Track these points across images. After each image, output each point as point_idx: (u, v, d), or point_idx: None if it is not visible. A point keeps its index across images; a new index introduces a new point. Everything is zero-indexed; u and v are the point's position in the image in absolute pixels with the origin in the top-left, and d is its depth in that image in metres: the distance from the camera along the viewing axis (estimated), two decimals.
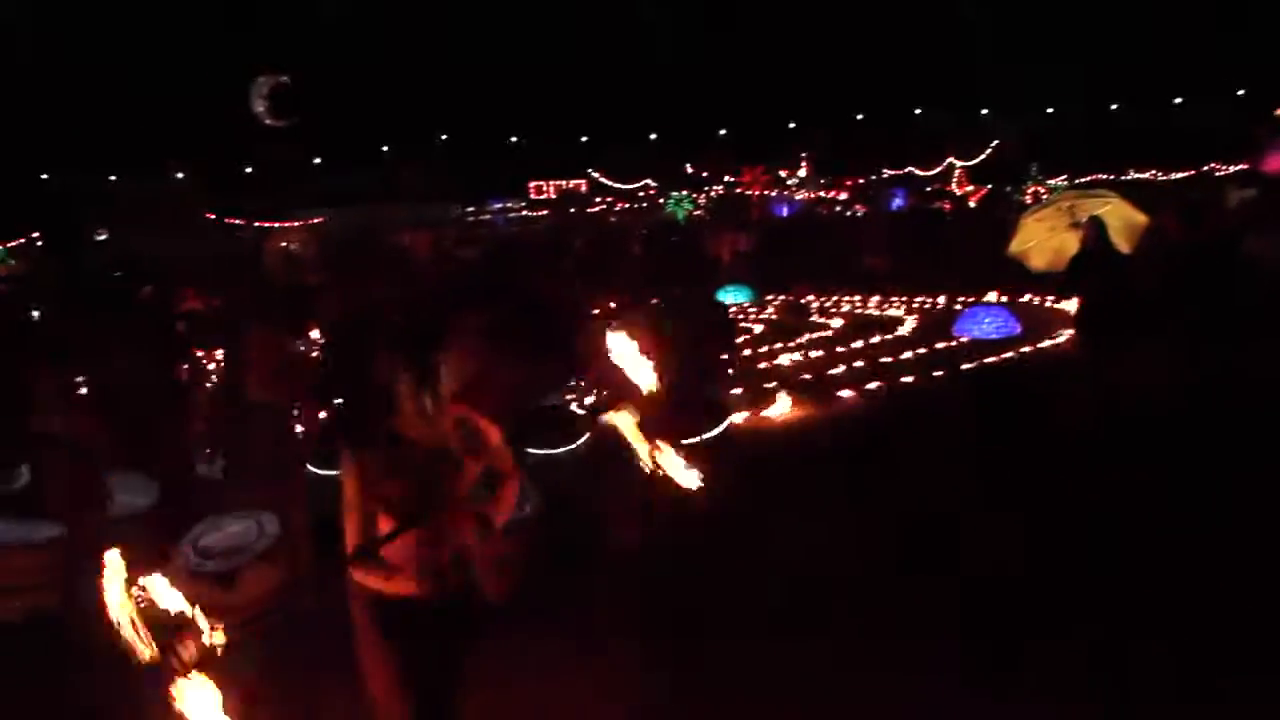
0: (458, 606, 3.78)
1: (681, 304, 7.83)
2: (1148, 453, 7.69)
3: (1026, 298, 17.62)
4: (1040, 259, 12.24)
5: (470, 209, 46.43)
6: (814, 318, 19.50)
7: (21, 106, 37.80)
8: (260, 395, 6.80)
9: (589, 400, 9.83)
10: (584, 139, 46.81)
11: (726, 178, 47.95)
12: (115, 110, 38.93)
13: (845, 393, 12.09)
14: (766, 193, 47.38)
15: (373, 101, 43.49)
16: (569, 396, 10.03)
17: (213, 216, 36.34)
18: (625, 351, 3.62)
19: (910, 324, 17.55)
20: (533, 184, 48.06)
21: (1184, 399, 8.27)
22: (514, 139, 46.26)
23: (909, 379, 12.55)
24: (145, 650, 2.65)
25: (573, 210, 44.92)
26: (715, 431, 8.66)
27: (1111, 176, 38.74)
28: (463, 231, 37.65)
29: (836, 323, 18.49)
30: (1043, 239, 11.98)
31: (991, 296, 17.19)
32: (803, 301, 20.87)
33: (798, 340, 16.27)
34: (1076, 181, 38.27)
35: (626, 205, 46.82)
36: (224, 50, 37.38)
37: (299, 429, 7.38)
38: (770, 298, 22.38)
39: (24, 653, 5.65)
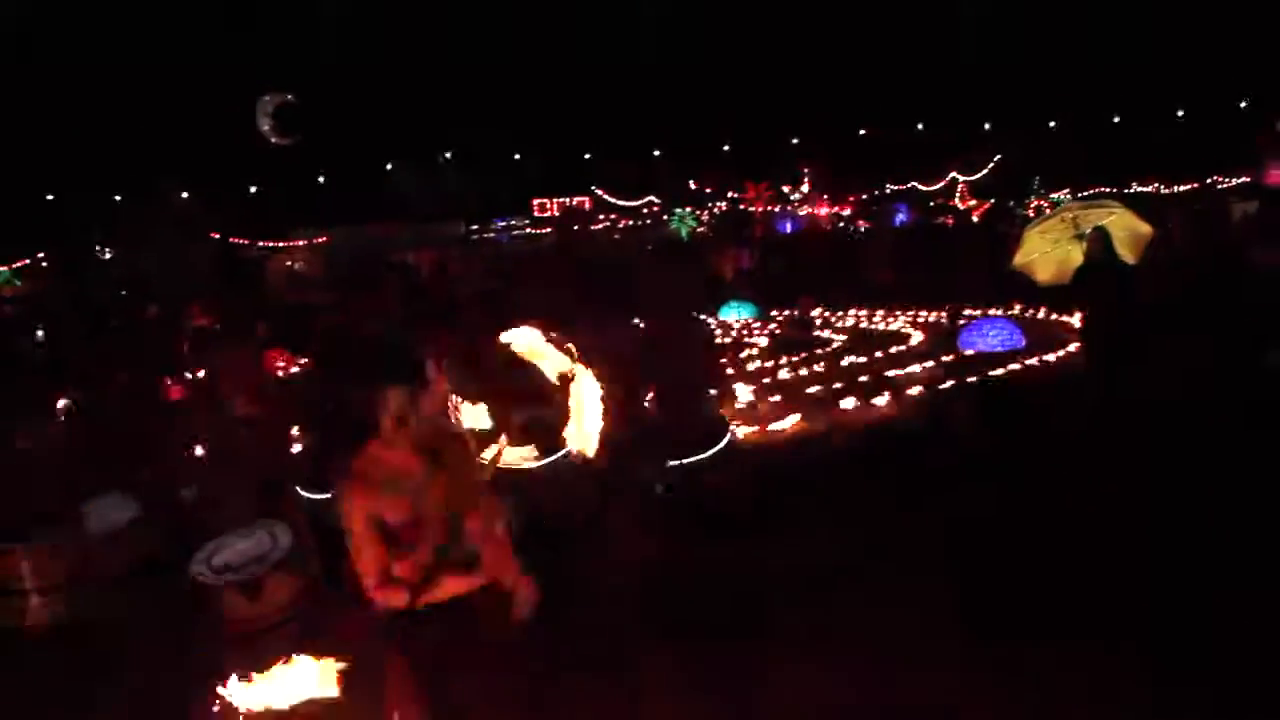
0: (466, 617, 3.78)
1: (665, 324, 7.85)
2: (1157, 462, 7.68)
3: (1016, 308, 17.63)
4: (1045, 271, 12.17)
5: (474, 227, 46.50)
6: (819, 332, 19.49)
7: (26, 127, 37.96)
8: (245, 410, 6.82)
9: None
10: (587, 156, 46.87)
11: (730, 194, 48.00)
12: (119, 130, 39.05)
13: (849, 404, 12.08)
14: (770, 208, 47.45)
15: (376, 120, 43.62)
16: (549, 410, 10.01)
17: (217, 236, 36.40)
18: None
19: (915, 337, 17.54)
20: (536, 201, 48.13)
21: (1194, 408, 8.27)
22: (517, 156, 46.30)
23: (914, 391, 12.54)
24: None
25: (576, 227, 44.99)
26: (718, 448, 8.64)
27: (1114, 189, 38.78)
28: (467, 250, 37.73)
29: (841, 337, 18.49)
30: (1047, 251, 11.94)
31: (996, 310, 17.22)
32: (808, 316, 20.85)
33: (802, 354, 16.26)
34: (1079, 195, 38.26)
35: (630, 222, 46.87)
36: (229, 70, 37.54)
37: (293, 448, 7.40)
38: (775, 313, 22.38)
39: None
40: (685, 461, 7.29)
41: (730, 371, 14.88)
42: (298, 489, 7.40)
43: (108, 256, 32.31)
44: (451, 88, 46.70)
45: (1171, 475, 7.41)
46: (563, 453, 7.84)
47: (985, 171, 49.21)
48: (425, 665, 3.71)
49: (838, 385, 13.31)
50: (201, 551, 6.15)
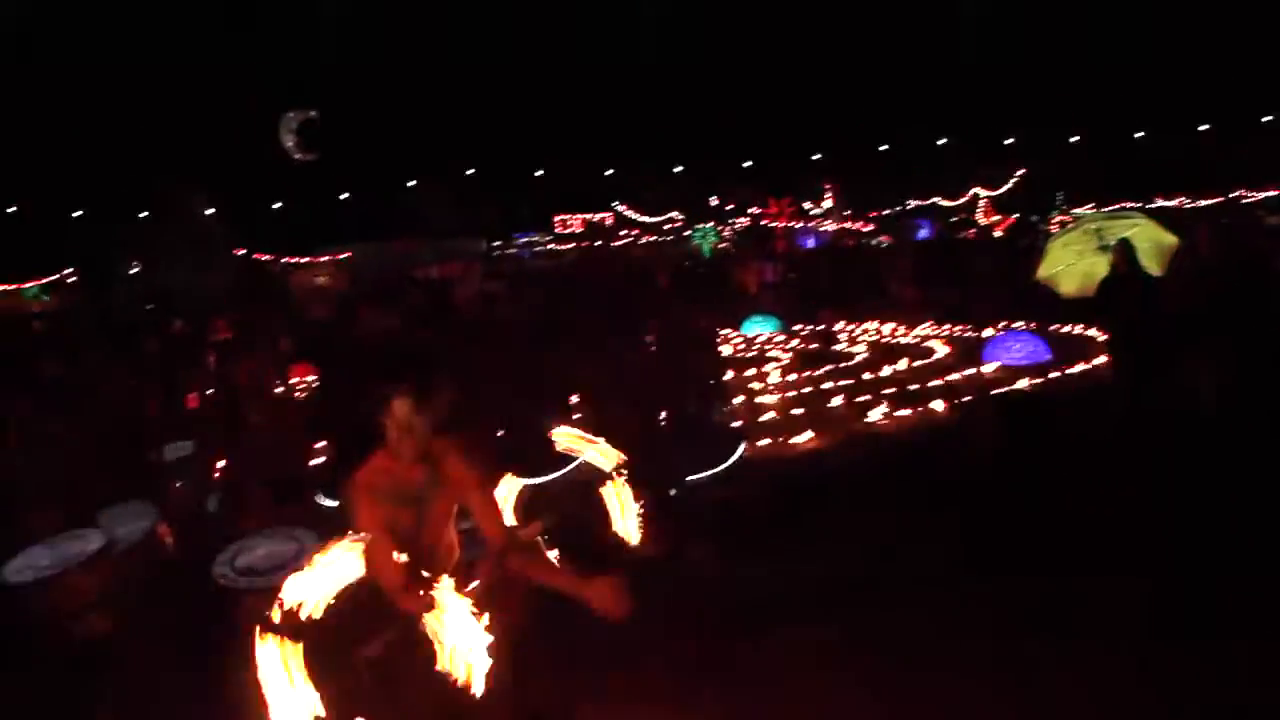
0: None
1: (671, 338, 7.88)
2: (1183, 474, 7.62)
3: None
4: (1070, 284, 12.16)
5: (496, 243, 46.63)
6: (842, 346, 19.45)
7: (53, 143, 38.34)
8: (260, 418, 6.87)
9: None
10: (609, 172, 46.97)
11: (752, 210, 48.01)
12: (145, 147, 39.38)
13: (874, 417, 12.05)
14: (792, 224, 47.44)
15: (397, 136, 43.84)
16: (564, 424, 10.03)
17: (241, 252, 36.64)
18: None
19: (939, 352, 17.47)
20: (558, 218, 48.24)
21: (1220, 420, 8.20)
22: (539, 173, 46.44)
23: (937, 405, 12.49)
24: None
25: (598, 243, 45.07)
26: (732, 460, 8.64)
27: (1138, 205, 38.60)
28: (489, 266, 37.82)
29: (864, 351, 18.44)
30: (1072, 263, 11.91)
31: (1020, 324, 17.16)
32: (830, 330, 20.83)
33: (825, 368, 16.23)
34: (1103, 210, 38.08)
35: (652, 238, 46.94)
36: (254, 87, 37.82)
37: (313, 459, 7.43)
38: (798, 328, 22.35)
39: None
40: (699, 477, 7.28)
41: (756, 386, 14.91)
42: (319, 497, 7.44)
43: (134, 272, 32.54)
44: (473, 103, 46.90)
45: (1196, 487, 7.35)
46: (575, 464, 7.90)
47: (1007, 187, 49.06)
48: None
49: (860, 399, 13.27)
50: (224, 553, 6.17)
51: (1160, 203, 41.07)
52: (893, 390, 13.62)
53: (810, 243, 45.46)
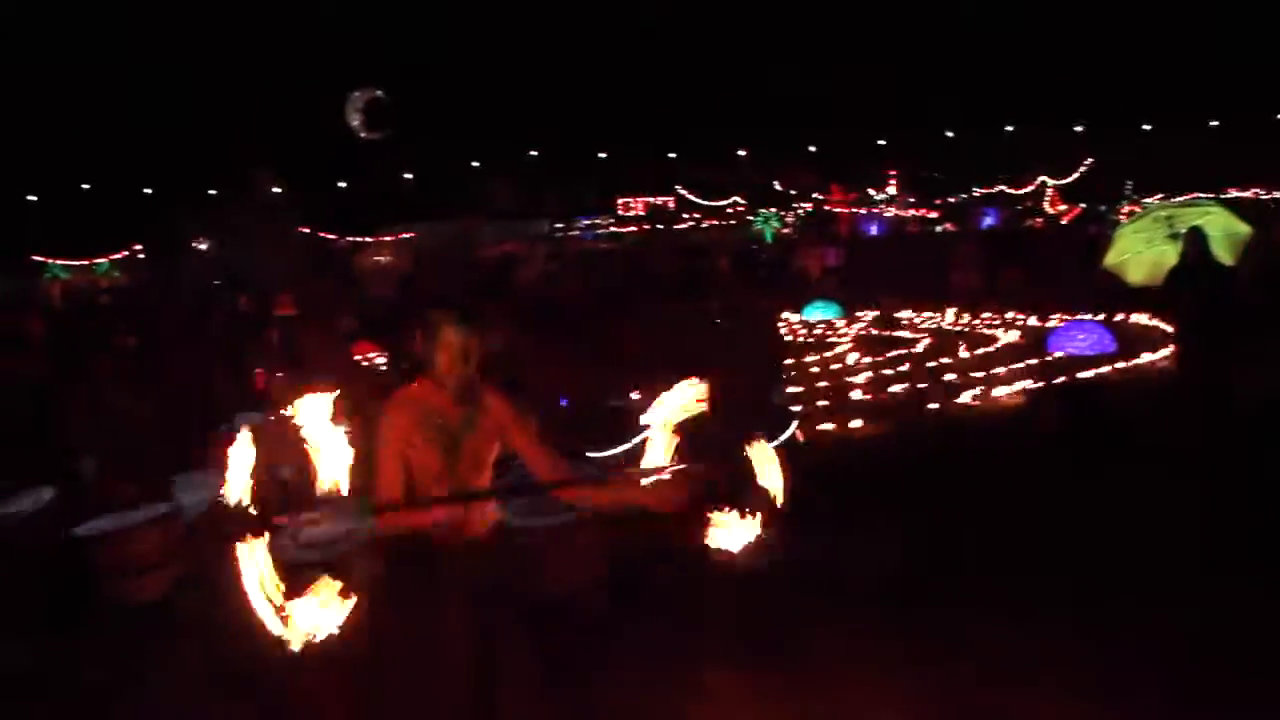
0: (493, 566, 3.78)
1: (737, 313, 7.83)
2: (1254, 465, 7.48)
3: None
4: (1138, 272, 11.94)
5: (559, 225, 46.76)
6: (904, 332, 19.31)
7: (124, 123, 38.97)
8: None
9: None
10: (672, 155, 46.90)
11: (815, 195, 47.72)
12: (214, 126, 39.92)
13: (935, 404, 11.97)
14: (855, 210, 47.09)
15: (463, 118, 44.05)
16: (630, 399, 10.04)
17: (306, 230, 37.04)
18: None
19: (1002, 340, 17.29)
20: (621, 200, 48.24)
21: None
22: (602, 155, 46.48)
23: (1000, 393, 12.37)
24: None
25: (660, 226, 45.03)
26: (783, 438, 8.60)
27: (1211, 195, 37.82)
28: (552, 247, 37.92)
29: (926, 338, 18.28)
30: (1140, 251, 11.69)
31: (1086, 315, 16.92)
32: (893, 316, 20.69)
33: (886, 354, 16.12)
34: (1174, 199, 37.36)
35: (714, 222, 46.82)
36: (322, 67, 38.17)
37: None
38: (859, 314, 22.21)
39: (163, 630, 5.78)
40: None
41: (815, 370, 14.84)
42: None
43: (201, 248, 33.03)
44: (538, 87, 47.01)
45: (1268, 477, 7.21)
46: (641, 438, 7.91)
47: (1076, 175, 48.30)
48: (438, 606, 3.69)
49: (921, 385, 13.17)
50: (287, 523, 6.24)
51: (1234, 193, 40.21)
52: (954, 378, 13.51)
53: (873, 229, 45.09)
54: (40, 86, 41.75)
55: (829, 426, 10.97)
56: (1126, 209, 41.45)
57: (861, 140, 46.91)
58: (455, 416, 3.71)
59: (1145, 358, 13.75)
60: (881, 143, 47.70)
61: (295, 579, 6.34)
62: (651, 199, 48.14)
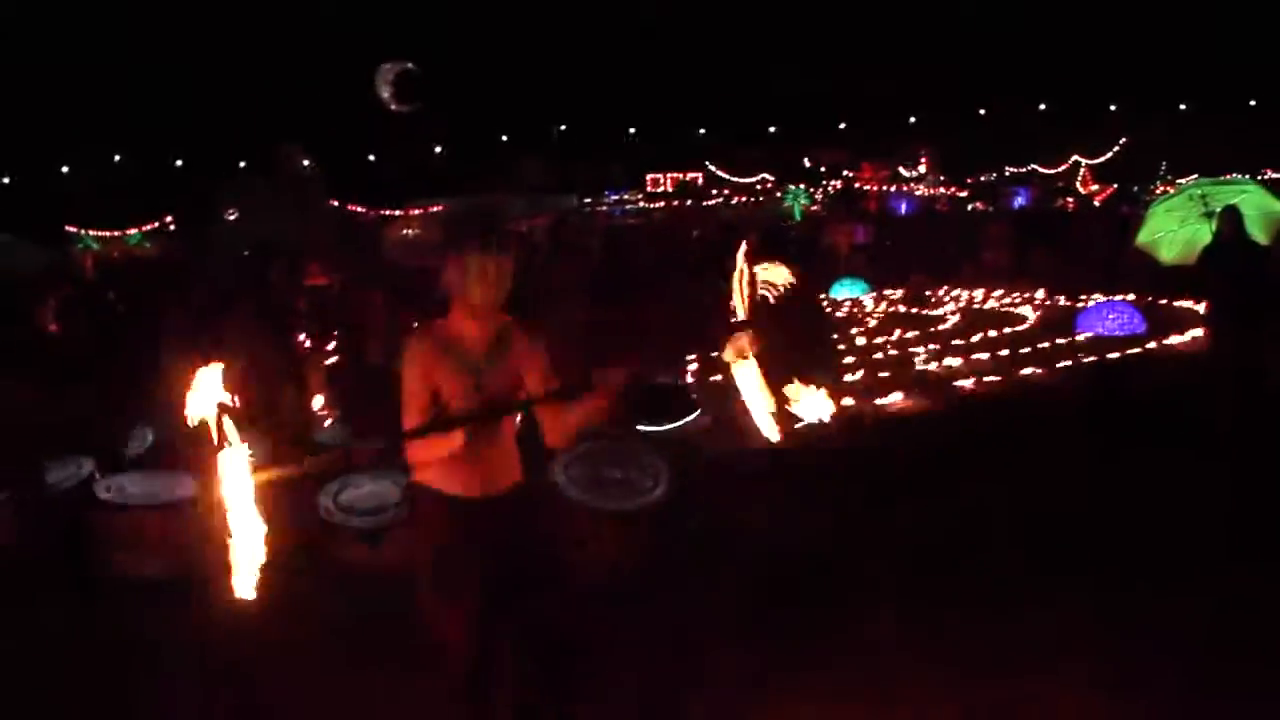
0: (520, 526, 3.78)
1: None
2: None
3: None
4: (1170, 251, 11.81)
5: (587, 200, 46.70)
6: (932, 310, 19.24)
7: (155, 95, 39.16)
8: (380, 359, 6.96)
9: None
10: (701, 131, 46.74)
11: (845, 173, 47.45)
12: (244, 98, 40.06)
13: (963, 382, 11.92)
14: (885, 188, 46.82)
15: (492, 92, 44.02)
16: (685, 377, 10.03)
17: (335, 203, 37.13)
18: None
19: (1031, 319, 17.21)
20: (650, 176, 48.11)
21: None
22: (632, 130, 46.37)
23: (1029, 371, 12.32)
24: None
25: (689, 202, 44.89)
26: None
27: (1247, 176, 37.27)
28: (582, 221, 37.85)
29: (955, 316, 18.21)
30: (1174, 230, 11.57)
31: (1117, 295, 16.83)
32: (922, 294, 20.60)
33: (914, 332, 16.06)
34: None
35: (743, 199, 46.63)
36: (352, 40, 38.23)
37: None
38: (888, 292, 22.13)
39: (166, 609, 5.79)
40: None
41: (841, 347, 14.79)
42: None
43: (232, 218, 33.16)
44: (568, 61, 46.90)
45: None
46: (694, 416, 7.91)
47: (1109, 155, 47.80)
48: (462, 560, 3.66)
49: (950, 363, 13.13)
50: (331, 484, 6.30)
51: (1270, 175, 39.69)
52: (983, 356, 13.45)
53: (903, 207, 44.83)
54: (73, 59, 42.01)
55: (850, 402, 10.94)
56: (1160, 189, 41.01)
57: (893, 118, 46.65)
58: (480, 347, 3.70)
59: (1176, 339, 13.66)
60: (913, 120, 47.41)
61: (330, 538, 6.41)
62: (680, 174, 47.96)
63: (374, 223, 38.58)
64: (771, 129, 47.17)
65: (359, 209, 39.65)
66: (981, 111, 47.54)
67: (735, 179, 47.18)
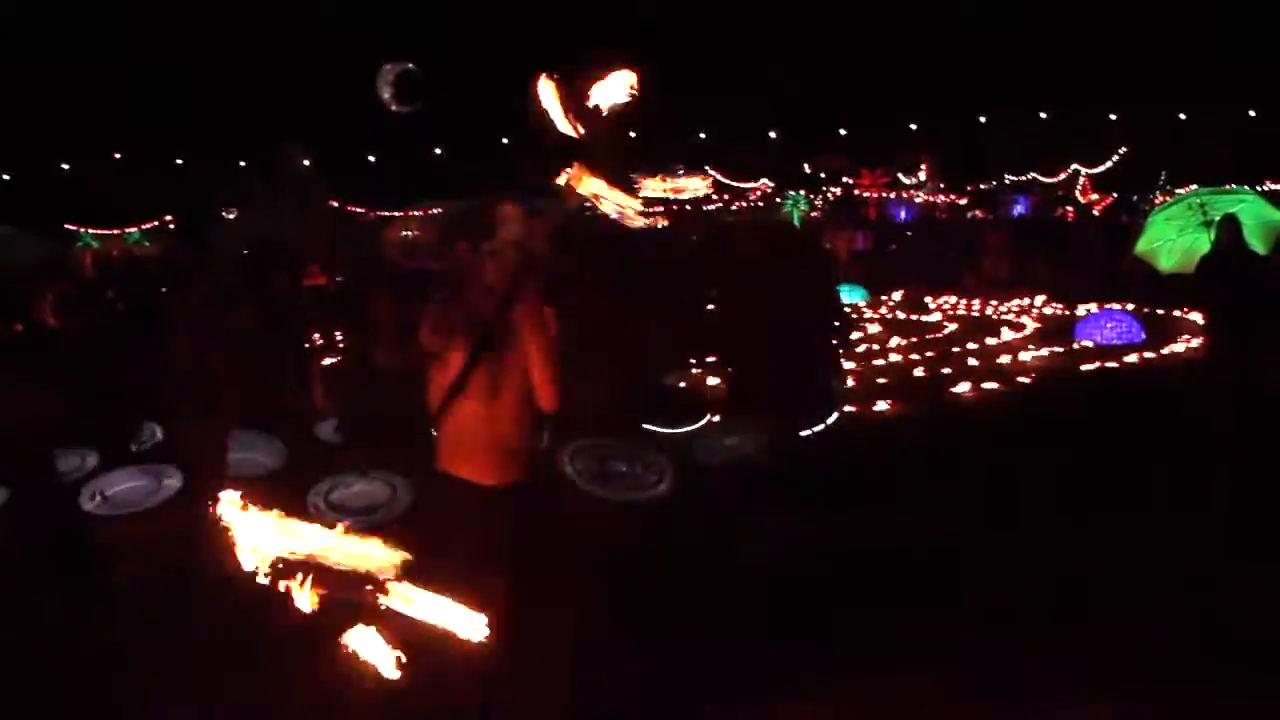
0: (535, 512, 3.82)
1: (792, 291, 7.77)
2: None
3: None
4: (1169, 259, 11.86)
5: (587, 202, 46.64)
6: (930, 317, 19.26)
7: (156, 94, 39.16)
8: (387, 360, 6.97)
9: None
10: (702, 135, 46.72)
11: (845, 179, 47.45)
12: (244, 98, 40.06)
13: (960, 389, 11.93)
14: (885, 195, 46.83)
15: (492, 93, 43.98)
16: (689, 378, 10.06)
17: (336, 204, 37.15)
18: None
19: (1029, 327, 17.24)
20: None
21: None
22: (632, 134, 46.30)
23: (1026, 379, 12.33)
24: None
25: (688, 206, 44.88)
26: (828, 422, 8.56)
27: (1247, 187, 37.16)
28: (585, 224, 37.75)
29: (952, 324, 18.23)
30: (1172, 239, 11.61)
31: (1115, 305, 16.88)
32: (920, 301, 20.62)
33: (913, 339, 16.08)
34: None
35: (743, 204, 46.61)
36: (352, 40, 38.26)
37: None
38: (885, 298, 22.15)
39: (160, 609, 5.80)
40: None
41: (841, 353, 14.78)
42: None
43: (231, 217, 33.15)
44: (566, 62, 46.87)
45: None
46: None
47: (1109, 165, 47.78)
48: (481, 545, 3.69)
49: (946, 370, 13.14)
50: (322, 483, 6.30)
51: (1270, 185, 39.68)
52: (980, 364, 13.47)
53: (903, 214, 44.83)
54: (75, 57, 42.03)
55: (849, 409, 10.92)
56: (1159, 199, 40.98)
57: (893, 125, 46.62)
58: (491, 307, 3.73)
59: (1174, 347, 13.68)
60: (913, 127, 47.39)
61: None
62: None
63: (374, 223, 38.57)
64: (772, 134, 47.14)
65: (359, 210, 39.67)
66: (981, 119, 47.50)
67: (735, 184, 47.17)
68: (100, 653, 5.38)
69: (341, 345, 11.24)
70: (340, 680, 4.48)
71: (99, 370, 7.39)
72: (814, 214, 44.37)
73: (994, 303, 20.84)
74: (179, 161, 42.38)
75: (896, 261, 26.40)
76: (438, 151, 43.61)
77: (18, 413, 5.96)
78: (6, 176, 40.86)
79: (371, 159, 43.12)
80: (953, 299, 21.75)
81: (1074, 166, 47.62)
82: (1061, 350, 14.19)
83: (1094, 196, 45.47)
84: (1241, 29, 45.30)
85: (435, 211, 40.65)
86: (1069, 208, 43.48)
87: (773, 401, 7.03)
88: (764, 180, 46.96)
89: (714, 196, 46.38)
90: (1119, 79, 45.21)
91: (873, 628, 5.29)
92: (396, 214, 40.80)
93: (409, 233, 38.97)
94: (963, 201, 47.38)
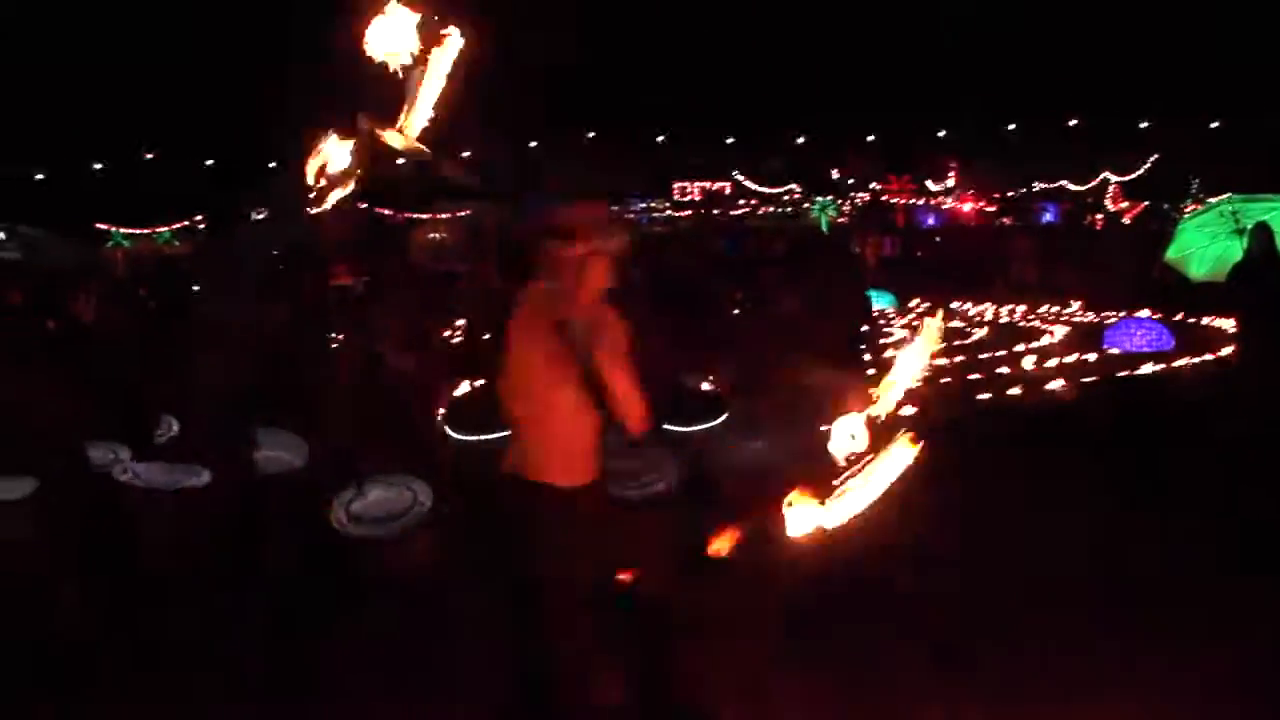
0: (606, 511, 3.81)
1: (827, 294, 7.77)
2: None
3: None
4: (1200, 267, 11.78)
5: (614, 207, 46.70)
6: (959, 324, 19.20)
7: (187, 97, 39.45)
8: (397, 363, 7.00)
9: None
10: (730, 140, 46.68)
11: (873, 185, 47.37)
12: (274, 97, 40.24)
13: (988, 395, 11.89)
14: (913, 201, 46.73)
15: (521, 99, 44.03)
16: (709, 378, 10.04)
17: (364, 206, 37.31)
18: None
19: (1059, 334, 17.15)
20: (677, 184, 48.10)
21: None
22: (660, 139, 46.33)
23: (1055, 386, 12.26)
24: None
25: (716, 211, 44.92)
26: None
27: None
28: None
29: (982, 330, 18.16)
30: (1204, 246, 11.52)
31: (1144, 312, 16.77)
32: (949, 308, 20.56)
33: (941, 345, 16.02)
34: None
35: (770, 209, 46.59)
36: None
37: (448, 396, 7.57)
38: (913, 305, 22.08)
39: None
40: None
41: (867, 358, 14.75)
42: (448, 430, 7.57)
43: (259, 217, 33.40)
44: (596, 67, 46.96)
45: None
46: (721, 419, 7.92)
47: (1140, 172, 47.47)
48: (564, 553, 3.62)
49: (974, 376, 13.09)
50: (345, 493, 6.31)
51: None
52: (1009, 370, 13.41)
53: (930, 221, 44.74)
54: (106, 57, 42.37)
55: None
56: (1190, 207, 40.68)
57: (922, 131, 46.46)
58: (577, 312, 3.57)
59: (1204, 357, 13.58)
60: (942, 134, 47.24)
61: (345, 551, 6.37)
62: (708, 184, 47.89)
63: (402, 226, 38.78)
64: (800, 140, 47.07)
65: (386, 212, 39.85)
66: (1011, 127, 47.28)
67: (762, 189, 47.17)
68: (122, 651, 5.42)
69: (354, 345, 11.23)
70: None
71: (130, 367, 7.44)
72: (841, 219, 44.36)
73: (1022, 309, 20.75)
74: (209, 162, 42.67)
75: (926, 268, 26.33)
76: (465, 155, 43.75)
77: (52, 408, 6.02)
78: (40, 176, 41.20)
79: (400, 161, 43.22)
80: (981, 305, 21.67)
81: (1104, 174, 47.36)
82: (1091, 358, 14.11)
83: (1124, 204, 45.22)
84: (1276, 37, 44.87)
85: (463, 214, 40.87)
86: (1099, 215, 43.28)
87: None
88: (791, 185, 46.92)
89: (741, 201, 46.43)
90: (1151, 86, 44.84)
91: (876, 628, 5.32)
92: (424, 216, 41.02)
93: (436, 235, 39.20)
94: (992, 209, 47.21)
